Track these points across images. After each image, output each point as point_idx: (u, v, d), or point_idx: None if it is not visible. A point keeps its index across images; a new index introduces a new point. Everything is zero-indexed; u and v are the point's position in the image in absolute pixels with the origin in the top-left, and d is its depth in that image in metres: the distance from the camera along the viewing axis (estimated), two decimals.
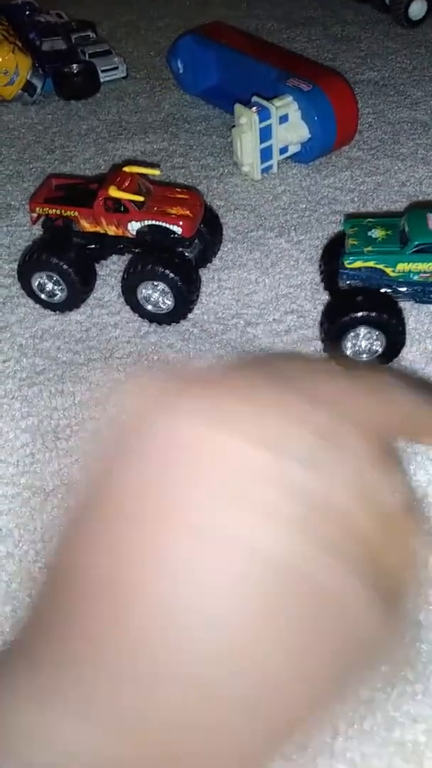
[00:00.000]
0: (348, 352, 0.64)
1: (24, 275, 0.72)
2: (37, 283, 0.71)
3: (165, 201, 0.70)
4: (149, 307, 0.70)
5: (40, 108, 1.08)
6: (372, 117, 1.05)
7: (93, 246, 0.72)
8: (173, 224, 0.68)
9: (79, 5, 1.32)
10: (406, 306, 0.71)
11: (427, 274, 0.62)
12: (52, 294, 0.72)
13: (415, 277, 0.63)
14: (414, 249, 0.61)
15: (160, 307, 0.70)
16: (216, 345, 0.70)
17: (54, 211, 0.70)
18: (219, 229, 0.78)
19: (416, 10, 1.32)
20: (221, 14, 1.24)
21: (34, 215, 0.72)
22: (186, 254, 0.71)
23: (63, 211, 0.70)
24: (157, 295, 0.69)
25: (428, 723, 0.44)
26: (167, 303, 0.69)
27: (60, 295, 0.71)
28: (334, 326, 0.63)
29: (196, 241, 0.72)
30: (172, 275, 0.67)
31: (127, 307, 0.73)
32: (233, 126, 0.90)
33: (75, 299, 0.72)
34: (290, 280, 0.77)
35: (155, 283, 0.68)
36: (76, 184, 0.75)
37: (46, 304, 0.73)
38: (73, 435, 0.61)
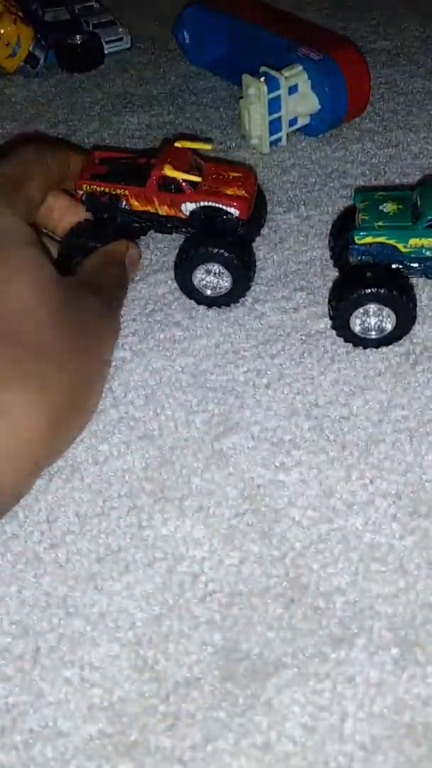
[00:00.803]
0: (357, 329, 0.62)
1: (71, 258, 0.67)
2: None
3: (219, 180, 0.67)
4: (208, 292, 0.68)
5: (43, 80, 1.06)
6: (384, 87, 1.02)
7: (139, 225, 0.69)
8: (229, 206, 0.66)
9: None
10: (419, 282, 0.69)
11: None
12: None
13: (428, 253, 0.61)
14: (427, 224, 0.59)
15: (217, 289, 0.68)
16: (224, 323, 0.68)
17: (102, 189, 0.67)
18: (264, 203, 0.75)
19: None
20: None
21: (80, 192, 0.68)
22: (238, 231, 0.68)
23: (112, 189, 0.67)
24: (213, 277, 0.67)
25: None
26: (225, 284, 0.67)
27: None
28: (343, 303, 0.61)
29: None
30: (227, 254, 0.65)
31: (137, 285, 0.72)
32: (241, 97, 0.87)
33: None
34: (299, 256, 0.75)
35: (210, 265, 0.66)
36: (123, 157, 0.71)
37: None
38: None
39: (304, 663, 0.45)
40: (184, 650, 0.46)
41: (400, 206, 0.62)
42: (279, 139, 0.89)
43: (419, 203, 0.61)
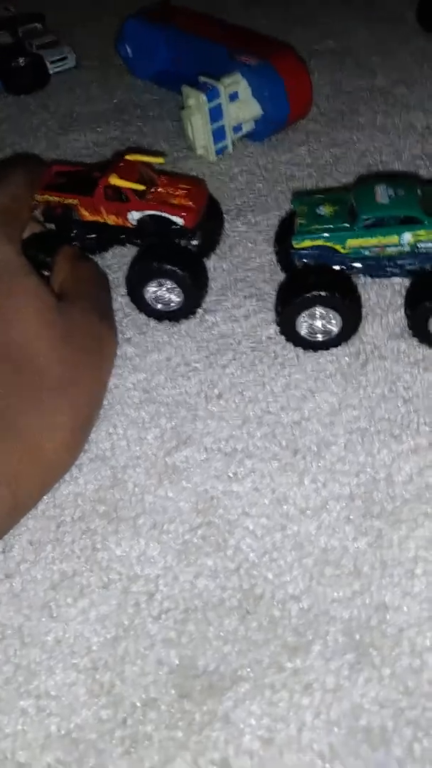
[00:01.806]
0: (304, 333, 0.62)
1: None
2: None
3: (168, 191, 0.68)
4: (159, 306, 0.68)
5: None
6: (329, 87, 1.03)
7: (93, 235, 0.70)
8: (175, 215, 0.66)
9: None
10: (367, 281, 0.69)
11: (378, 249, 0.60)
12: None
13: (366, 252, 0.61)
14: (363, 224, 0.60)
15: (169, 304, 0.68)
16: (174, 336, 0.68)
17: (54, 198, 0.68)
18: (220, 217, 0.76)
19: None
20: None
21: (34, 203, 0.69)
22: (189, 246, 0.68)
23: (63, 199, 0.68)
24: (164, 292, 0.67)
25: (395, 707, 0.43)
26: (176, 299, 0.67)
27: None
28: (287, 308, 0.61)
29: (198, 231, 0.69)
30: (179, 271, 0.65)
31: None
32: (183, 108, 0.88)
33: None
34: (248, 263, 0.75)
35: (162, 280, 0.66)
36: (78, 171, 0.72)
37: None
38: None
39: (261, 674, 0.45)
40: (141, 671, 0.46)
41: (337, 208, 0.62)
42: (225, 147, 0.89)
43: (354, 204, 0.61)
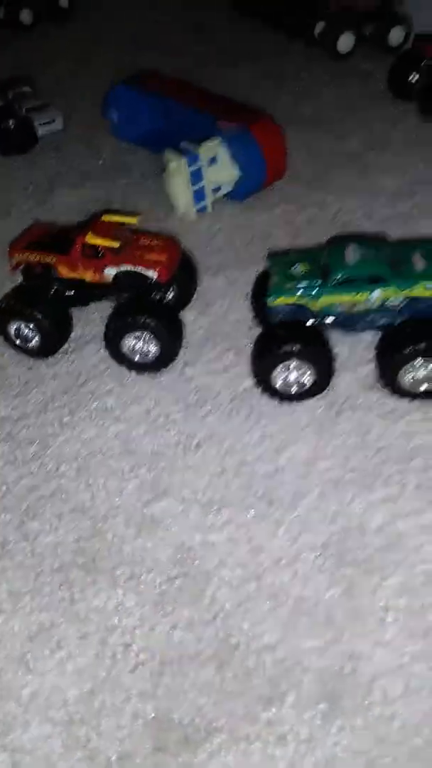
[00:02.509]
0: (278, 385, 0.65)
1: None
2: (14, 330, 0.72)
3: (142, 247, 0.71)
4: (137, 358, 0.70)
5: None
6: (304, 151, 1.08)
7: (71, 292, 0.73)
8: (149, 269, 0.69)
9: (17, 57, 1.36)
10: (340, 334, 0.72)
11: (349, 305, 0.63)
12: (27, 339, 0.72)
13: (338, 309, 0.64)
14: (334, 282, 0.63)
15: (147, 355, 0.70)
16: (154, 388, 0.70)
17: (33, 257, 0.72)
18: (194, 272, 0.80)
19: (344, 43, 1.37)
20: (156, 59, 1.28)
21: (14, 261, 0.73)
22: (164, 300, 0.71)
23: (42, 257, 0.71)
24: (141, 344, 0.70)
25: (369, 755, 0.44)
26: (153, 350, 0.70)
27: (35, 342, 0.72)
28: (263, 361, 0.64)
29: (172, 285, 0.72)
30: (152, 322, 0.68)
31: (69, 357, 0.74)
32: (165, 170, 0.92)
33: (49, 346, 0.73)
34: (226, 317, 0.78)
35: (138, 333, 0.69)
36: (58, 232, 0.76)
37: (22, 350, 0.73)
38: None
39: (235, 726, 0.45)
40: (116, 724, 0.46)
41: (311, 267, 0.66)
42: (205, 207, 0.94)
43: (327, 263, 0.64)
